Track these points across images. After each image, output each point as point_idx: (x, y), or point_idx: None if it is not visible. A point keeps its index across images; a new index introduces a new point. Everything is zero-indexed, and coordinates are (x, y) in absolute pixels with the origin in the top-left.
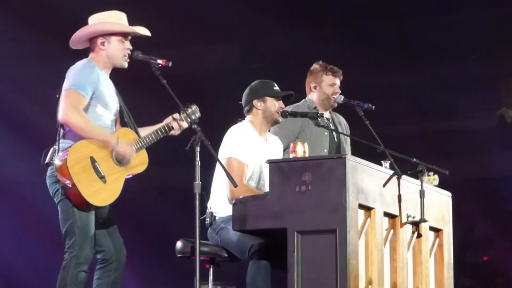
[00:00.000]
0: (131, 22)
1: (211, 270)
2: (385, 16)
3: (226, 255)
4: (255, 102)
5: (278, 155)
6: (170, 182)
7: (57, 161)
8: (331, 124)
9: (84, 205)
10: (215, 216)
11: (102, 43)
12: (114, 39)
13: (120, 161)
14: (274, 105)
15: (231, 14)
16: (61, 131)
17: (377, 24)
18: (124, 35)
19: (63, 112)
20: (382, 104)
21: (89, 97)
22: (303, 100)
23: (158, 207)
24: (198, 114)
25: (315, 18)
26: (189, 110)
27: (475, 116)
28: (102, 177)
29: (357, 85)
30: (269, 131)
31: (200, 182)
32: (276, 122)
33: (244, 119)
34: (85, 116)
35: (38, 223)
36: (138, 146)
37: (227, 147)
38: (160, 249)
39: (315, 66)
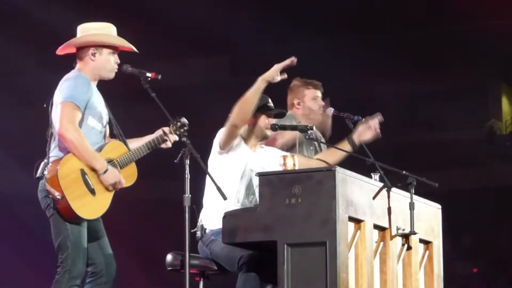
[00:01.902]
0: (119, 36)
1: (201, 283)
2: (373, 29)
3: (216, 268)
4: None
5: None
6: (160, 195)
7: (47, 172)
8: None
9: (73, 218)
10: (205, 229)
11: (93, 54)
12: (106, 51)
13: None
14: (264, 121)
15: (221, 27)
16: (52, 143)
17: (365, 37)
18: (115, 48)
19: (61, 126)
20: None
21: (83, 109)
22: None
23: (148, 219)
24: (186, 127)
25: (305, 30)
26: (179, 124)
27: (465, 128)
28: (92, 190)
29: (343, 96)
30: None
31: (190, 195)
32: (265, 138)
33: None
34: (82, 135)
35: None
36: (128, 159)
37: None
38: (150, 262)
39: (294, 82)
